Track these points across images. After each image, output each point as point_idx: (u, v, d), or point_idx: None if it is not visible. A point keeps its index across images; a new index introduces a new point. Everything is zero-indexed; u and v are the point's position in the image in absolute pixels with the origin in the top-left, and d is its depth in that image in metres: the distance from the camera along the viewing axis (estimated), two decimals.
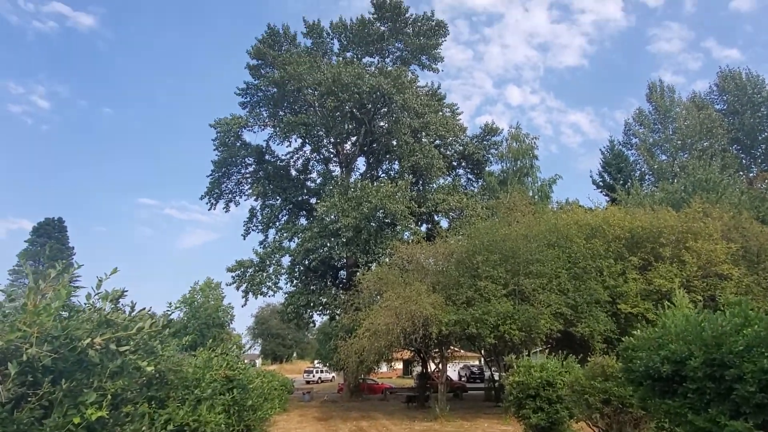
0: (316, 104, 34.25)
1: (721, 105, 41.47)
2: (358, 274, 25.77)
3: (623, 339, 8.52)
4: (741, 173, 38.08)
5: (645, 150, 38.01)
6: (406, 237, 29.90)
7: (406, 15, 36.08)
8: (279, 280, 33.55)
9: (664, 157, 38.02)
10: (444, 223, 35.08)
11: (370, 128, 35.20)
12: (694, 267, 20.32)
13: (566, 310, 19.87)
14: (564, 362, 13.08)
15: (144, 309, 4.79)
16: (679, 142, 37.06)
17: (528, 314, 19.20)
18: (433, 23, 36.51)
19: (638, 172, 39.07)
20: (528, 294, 20.29)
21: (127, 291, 4.52)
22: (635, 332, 8.66)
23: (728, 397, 6.88)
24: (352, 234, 29.05)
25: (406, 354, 38.66)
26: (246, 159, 37.29)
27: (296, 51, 35.88)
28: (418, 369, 37.73)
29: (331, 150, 38.34)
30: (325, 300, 33.08)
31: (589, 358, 11.52)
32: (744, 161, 40.44)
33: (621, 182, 35.99)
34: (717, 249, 20.44)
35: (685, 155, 36.32)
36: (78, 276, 15.17)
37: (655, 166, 36.94)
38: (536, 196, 33.90)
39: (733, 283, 20.02)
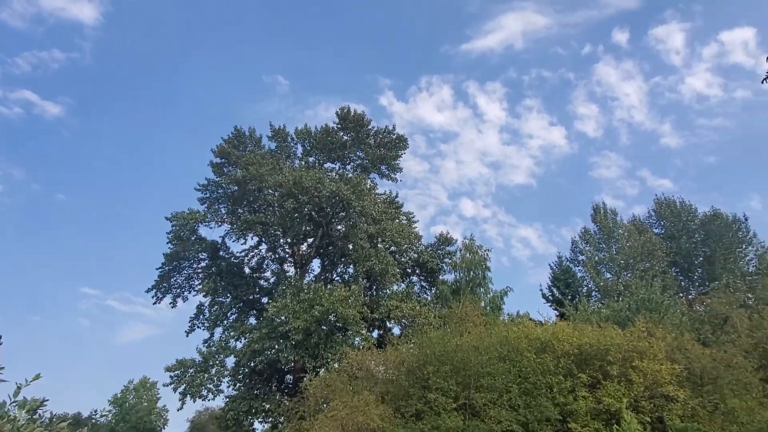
0: (276, 205, 34.63)
1: (659, 229, 44.21)
2: (305, 379, 24.72)
3: None
4: (681, 295, 39.79)
5: (591, 267, 39.52)
6: (357, 343, 29.21)
7: (369, 127, 38.09)
8: (221, 382, 31.71)
9: (609, 276, 39.51)
10: (396, 330, 34.62)
11: (327, 231, 35.57)
12: (641, 387, 20.42)
13: (517, 427, 19.33)
14: None
15: (64, 420, 4.40)
16: (623, 261, 38.81)
17: (478, 430, 18.58)
18: (394, 136, 38.56)
19: (585, 289, 40.24)
20: (479, 408, 19.77)
21: (47, 400, 4.15)
22: None
23: None
24: (301, 337, 28.21)
25: None
26: (199, 254, 36.63)
27: (260, 152, 36.86)
28: None
29: (287, 250, 38.22)
30: (268, 406, 31.21)
31: None
32: (683, 283, 42.44)
33: (569, 297, 36.87)
34: (662, 369, 20.72)
35: (629, 275, 37.88)
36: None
37: (601, 284, 38.24)
38: (488, 307, 34.16)
39: (680, 405, 20.11)
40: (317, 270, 38.45)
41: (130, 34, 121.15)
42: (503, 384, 20.48)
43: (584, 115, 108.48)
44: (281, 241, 37.28)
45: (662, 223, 44.02)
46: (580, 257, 41.58)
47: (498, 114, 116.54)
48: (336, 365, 27.32)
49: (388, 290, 34.68)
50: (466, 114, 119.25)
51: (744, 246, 40.94)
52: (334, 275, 37.87)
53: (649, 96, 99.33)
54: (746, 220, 41.57)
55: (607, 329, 23.38)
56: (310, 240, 37.05)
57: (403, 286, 37.13)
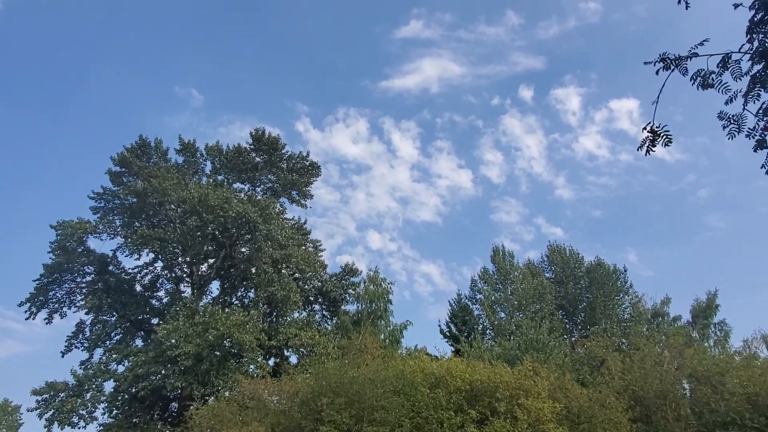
0: (177, 221, 33.02)
1: (549, 274, 47.16)
2: (191, 408, 23.34)
3: None
4: (565, 337, 42.47)
5: (488, 306, 41.19)
6: (251, 370, 28.15)
7: (282, 151, 37.70)
8: (96, 408, 29.09)
9: (503, 315, 41.37)
10: (294, 359, 33.84)
11: (230, 253, 34.38)
12: (525, 424, 21.35)
13: None
14: None
15: None
16: (516, 302, 40.87)
17: None
18: (307, 163, 38.45)
19: (481, 326, 41.79)
20: None
21: None
22: None
23: None
24: (192, 362, 26.72)
25: None
26: (85, 267, 33.82)
27: (165, 165, 35.16)
28: None
29: (185, 270, 36.35)
30: None
31: None
32: (567, 326, 45.33)
33: (465, 334, 38.10)
34: (545, 407, 21.82)
35: (521, 315, 39.91)
36: None
37: (495, 323, 39.93)
38: (387, 340, 34.41)
39: None
40: (216, 292, 36.88)
41: (31, 24, 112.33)
42: (396, 418, 20.57)
43: (490, 161, 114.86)
44: (179, 259, 35.43)
45: (553, 268, 47.04)
46: (478, 296, 43.25)
47: (410, 152, 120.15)
48: (227, 394, 26.10)
49: (288, 317, 33.92)
50: (380, 149, 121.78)
51: (621, 294, 44.65)
52: (234, 299, 36.49)
53: (548, 150, 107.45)
54: (625, 271, 45.55)
55: (498, 367, 24.34)
56: (211, 261, 35.56)
57: (304, 314, 36.52)
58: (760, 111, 3.72)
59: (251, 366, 28.71)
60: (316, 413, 20.42)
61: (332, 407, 19.97)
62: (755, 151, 3.87)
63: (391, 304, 36.23)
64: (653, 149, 4.12)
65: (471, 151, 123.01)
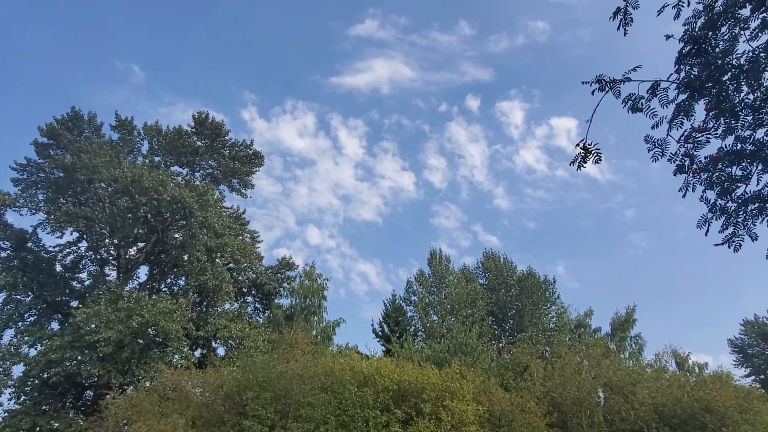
0: (107, 201, 31.45)
1: (483, 280, 48.37)
2: (107, 397, 22.28)
3: None
4: (493, 342, 43.67)
5: (421, 308, 41.75)
6: (175, 361, 27.20)
7: (226, 137, 36.70)
8: (1, 393, 27.22)
9: (435, 318, 42.04)
10: (221, 351, 33.01)
11: (162, 238, 33.08)
12: (448, 425, 21.79)
13: None
14: None
15: None
16: (449, 306, 41.65)
17: None
18: (251, 152, 37.62)
19: (413, 328, 42.29)
20: None
21: None
22: None
23: None
24: (112, 349, 25.53)
25: None
26: (1, 242, 31.60)
27: (98, 141, 33.41)
28: None
29: (112, 252, 34.66)
30: (57, 425, 27.33)
31: None
32: (496, 332, 46.64)
33: (397, 335, 38.46)
34: (468, 410, 22.36)
35: (452, 319, 40.70)
36: None
37: (428, 325, 40.52)
38: (319, 336, 34.22)
39: None
40: (143, 278, 35.42)
41: None
42: (322, 415, 20.48)
43: (433, 166, 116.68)
44: (106, 241, 33.75)
45: (487, 275, 48.28)
46: (413, 298, 43.74)
47: (356, 150, 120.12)
48: (147, 384, 25.10)
49: (219, 308, 33.06)
50: (326, 144, 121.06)
51: (549, 304, 46.41)
52: (162, 286, 35.17)
53: (490, 160, 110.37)
54: (554, 282, 47.40)
55: (426, 368, 24.72)
56: (141, 245, 34.10)
57: (236, 305, 35.72)
58: (682, 138, 3.95)
59: (176, 356, 27.74)
60: (241, 407, 20.01)
61: (257, 402, 19.63)
62: (675, 175, 4.12)
63: (325, 300, 36.13)
64: (584, 165, 4.30)
65: (416, 155, 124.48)
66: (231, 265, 34.92)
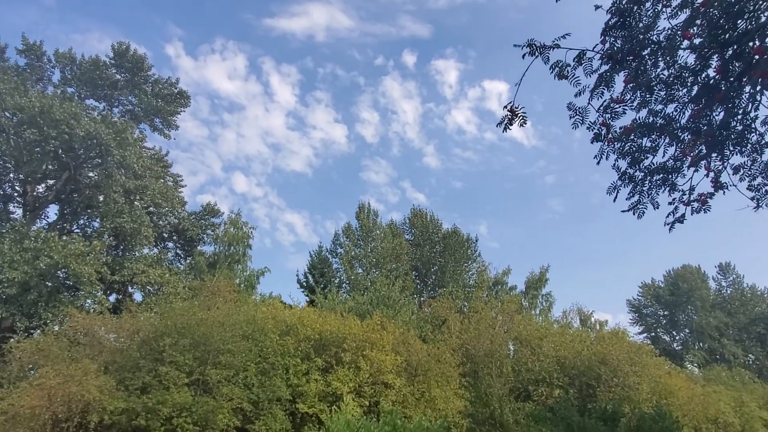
0: (12, 132, 28.88)
1: (409, 236, 49.40)
2: (11, 341, 21.16)
3: None
4: (415, 296, 45.12)
5: (347, 261, 42.18)
6: (87, 305, 26.12)
7: (148, 72, 34.41)
8: None
9: (360, 271, 42.69)
10: (138, 297, 32.01)
11: (74, 176, 30.99)
12: (367, 374, 22.56)
13: (248, 405, 19.60)
14: None
15: None
16: (374, 260, 42.34)
17: (207, 407, 18.27)
18: (176, 90, 35.57)
19: (338, 280, 42.78)
20: (212, 385, 19.46)
21: None
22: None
23: None
24: (16, 291, 24.09)
25: None
26: None
27: (1, 66, 30.35)
28: None
29: (17, 188, 32.13)
30: None
31: None
32: (419, 287, 48.14)
33: (322, 286, 38.77)
34: (387, 360, 23.20)
35: (377, 272, 41.50)
36: None
37: (352, 277, 41.10)
38: (243, 285, 33.88)
39: (395, 392, 22.78)
40: (53, 217, 33.26)
41: None
42: (242, 362, 20.54)
43: (366, 120, 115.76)
44: (11, 176, 31.21)
45: (413, 231, 49.30)
46: (339, 250, 44.07)
47: (288, 98, 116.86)
48: (56, 328, 24.02)
49: (137, 252, 31.77)
50: (257, 89, 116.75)
51: (470, 262, 48.31)
52: (74, 227, 33.20)
53: (422, 118, 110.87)
54: (476, 240, 49.23)
55: (348, 319, 25.27)
56: (51, 182, 31.83)
57: (155, 250, 34.49)
58: (601, 107, 4.13)
59: (88, 301, 26.60)
60: (158, 353, 19.62)
61: (175, 348, 19.32)
62: (592, 143, 4.32)
63: (250, 249, 35.64)
64: (510, 127, 4.40)
65: (349, 107, 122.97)
66: (151, 208, 33.45)
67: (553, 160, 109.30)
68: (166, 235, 36.30)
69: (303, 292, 39.80)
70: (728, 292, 63.21)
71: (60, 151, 29.45)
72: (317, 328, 23.67)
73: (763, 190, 4.26)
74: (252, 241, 35.71)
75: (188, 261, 36.37)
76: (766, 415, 32.15)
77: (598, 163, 4.41)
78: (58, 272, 25.93)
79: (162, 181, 34.06)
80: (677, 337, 62.66)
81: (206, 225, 36.97)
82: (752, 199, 4.33)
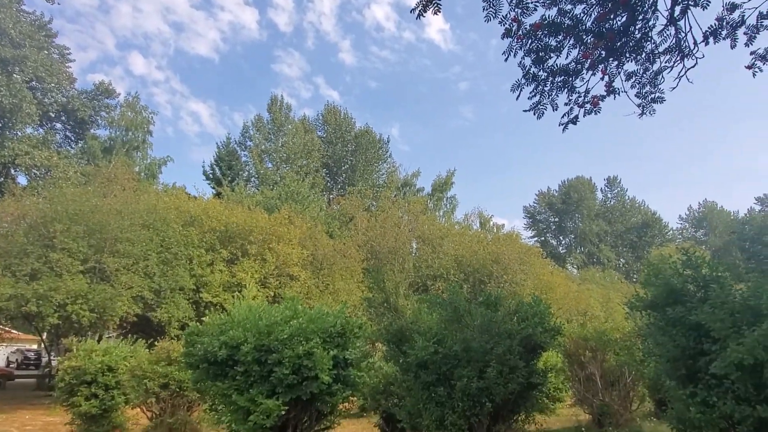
0: None
1: (322, 132, 48.69)
2: None
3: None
4: (325, 193, 45.40)
5: (256, 155, 41.06)
6: None
7: None
8: None
9: (270, 165, 41.89)
10: (23, 180, 29.50)
11: None
12: (273, 266, 22.92)
13: (149, 294, 19.40)
14: (132, 346, 12.71)
15: None
16: (285, 155, 41.58)
17: (104, 295, 17.87)
18: None
19: (247, 173, 41.81)
20: (110, 273, 18.92)
21: None
22: (205, 318, 9.17)
23: (268, 378, 8.00)
24: None
25: None
26: None
27: None
28: None
29: None
30: None
31: (156, 344, 11.56)
32: (328, 184, 48.36)
33: (229, 179, 37.75)
34: (293, 253, 23.61)
35: (287, 168, 40.97)
36: None
37: (262, 171, 40.30)
38: (143, 174, 32.22)
39: (300, 284, 23.47)
40: None
41: None
42: (142, 251, 20.00)
43: (279, 5, 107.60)
44: None
45: (326, 128, 48.55)
46: (249, 143, 42.69)
47: None
48: None
49: (18, 131, 28.80)
50: None
51: (381, 162, 48.88)
52: None
53: (339, 10, 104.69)
54: (388, 142, 49.57)
55: (256, 212, 25.10)
56: None
57: (41, 131, 31.42)
58: (514, 1, 4.09)
59: None
60: (48, 240, 18.55)
61: (67, 235, 18.34)
62: (503, 38, 4.32)
63: (151, 136, 33.57)
64: (424, 15, 4.27)
65: None
66: (34, 83, 29.93)
67: (468, 67, 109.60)
68: (53, 115, 32.94)
69: (209, 184, 38.64)
70: (612, 203, 69.42)
71: None
72: (223, 220, 23.34)
73: (649, 98, 4.58)
74: (153, 128, 33.57)
75: (80, 145, 33.61)
76: (626, 309, 36.94)
77: (506, 59, 4.45)
78: None
79: (45, 52, 30.28)
80: (563, 242, 68.83)
81: (100, 106, 33.86)
82: (638, 105, 4.64)
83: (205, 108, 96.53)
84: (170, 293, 20.19)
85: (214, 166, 39.48)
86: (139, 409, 11.65)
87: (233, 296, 20.35)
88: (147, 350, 12.37)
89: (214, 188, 37.13)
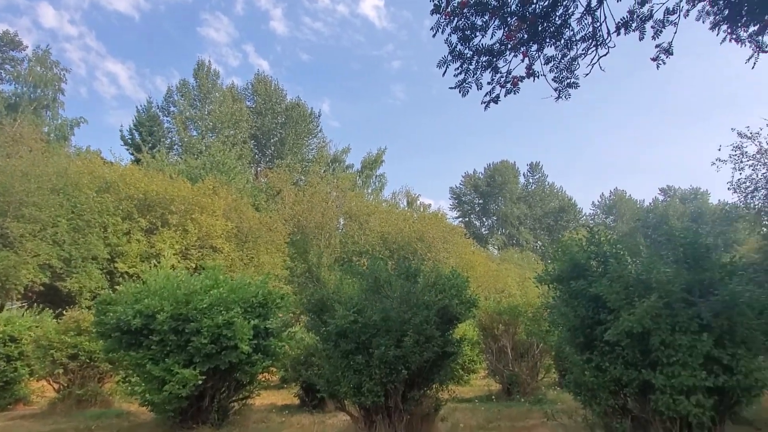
0: None
1: (251, 103, 47.22)
2: None
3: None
4: (252, 165, 44.28)
5: (180, 122, 39.18)
6: None
7: None
8: None
9: (195, 133, 40.17)
10: None
11: None
12: (195, 237, 22.23)
13: (57, 262, 18.29)
14: (38, 316, 12.02)
15: None
16: (211, 124, 40.00)
17: (7, 262, 16.68)
18: None
19: (169, 141, 39.86)
20: (13, 239, 17.64)
21: None
22: (119, 287, 8.82)
23: (185, 348, 7.86)
24: None
25: None
26: None
27: None
28: None
29: None
30: None
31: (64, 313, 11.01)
32: (257, 156, 47.15)
33: (150, 146, 35.84)
34: (216, 224, 23.00)
35: (213, 137, 39.49)
36: None
37: (185, 139, 38.58)
38: (53, 135, 29.96)
39: (223, 256, 22.94)
40: None
41: None
42: (50, 217, 18.79)
43: None
44: None
45: (255, 98, 47.12)
46: (172, 109, 40.65)
47: None
48: None
49: None
50: None
51: (311, 137, 48.24)
52: None
53: None
54: (319, 116, 48.92)
55: (178, 181, 24.13)
56: None
57: None
58: None
59: None
60: None
61: None
62: (431, 14, 4.41)
63: (62, 94, 31.31)
64: None
65: None
66: None
67: (401, 46, 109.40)
68: None
69: (128, 149, 36.56)
70: (533, 188, 72.54)
71: None
72: (142, 188, 22.26)
73: (565, 83, 4.86)
74: (65, 86, 31.19)
75: None
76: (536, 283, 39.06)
77: (434, 35, 4.54)
78: None
79: None
80: (486, 223, 71.32)
81: (4, 58, 31.04)
82: (555, 89, 4.92)
83: (123, 69, 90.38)
84: (82, 262, 19.14)
85: (134, 131, 37.34)
86: (45, 381, 11.11)
87: (151, 267, 19.65)
88: (55, 320, 11.75)
89: (132, 154, 35.17)
